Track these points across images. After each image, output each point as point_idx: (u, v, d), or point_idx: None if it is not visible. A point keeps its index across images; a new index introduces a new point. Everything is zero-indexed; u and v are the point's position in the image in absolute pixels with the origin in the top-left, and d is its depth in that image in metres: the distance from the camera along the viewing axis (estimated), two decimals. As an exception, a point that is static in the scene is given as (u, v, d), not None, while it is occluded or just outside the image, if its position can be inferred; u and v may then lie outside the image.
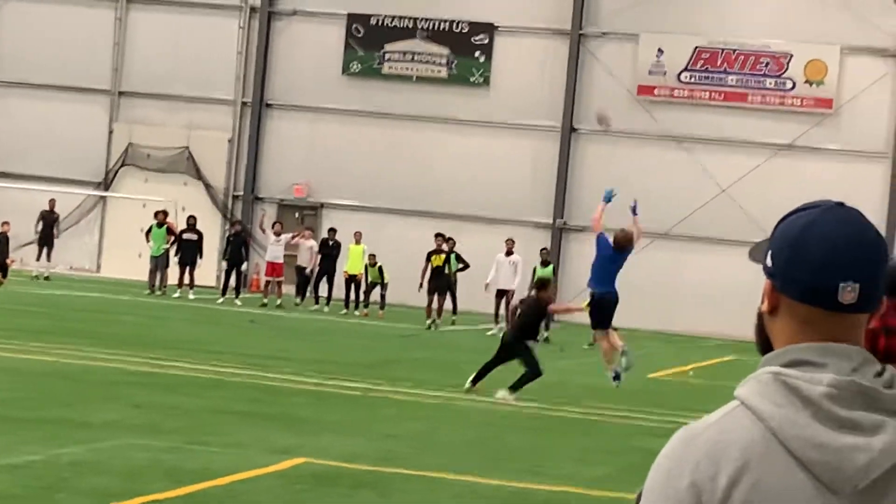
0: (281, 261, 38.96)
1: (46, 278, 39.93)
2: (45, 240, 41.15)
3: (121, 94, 47.06)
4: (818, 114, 42.84)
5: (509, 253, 35.93)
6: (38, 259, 40.85)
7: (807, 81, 42.95)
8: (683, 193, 43.17)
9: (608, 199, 21.18)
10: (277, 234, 39.13)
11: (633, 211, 21.64)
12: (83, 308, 31.68)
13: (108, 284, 40.91)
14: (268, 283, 39.31)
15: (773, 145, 42.97)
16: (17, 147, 46.84)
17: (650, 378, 26.41)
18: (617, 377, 21.11)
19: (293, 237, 39.54)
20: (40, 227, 41.24)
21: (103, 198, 46.60)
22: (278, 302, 38.03)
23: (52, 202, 41.91)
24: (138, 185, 46.27)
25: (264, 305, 37.49)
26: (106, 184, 46.93)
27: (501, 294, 35.36)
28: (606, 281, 20.77)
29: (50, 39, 46.69)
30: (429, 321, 35.07)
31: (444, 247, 36.33)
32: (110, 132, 47.03)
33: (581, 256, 43.34)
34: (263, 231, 40.83)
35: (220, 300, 38.17)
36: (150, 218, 41.89)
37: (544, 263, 34.82)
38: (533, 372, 19.26)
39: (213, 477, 11.63)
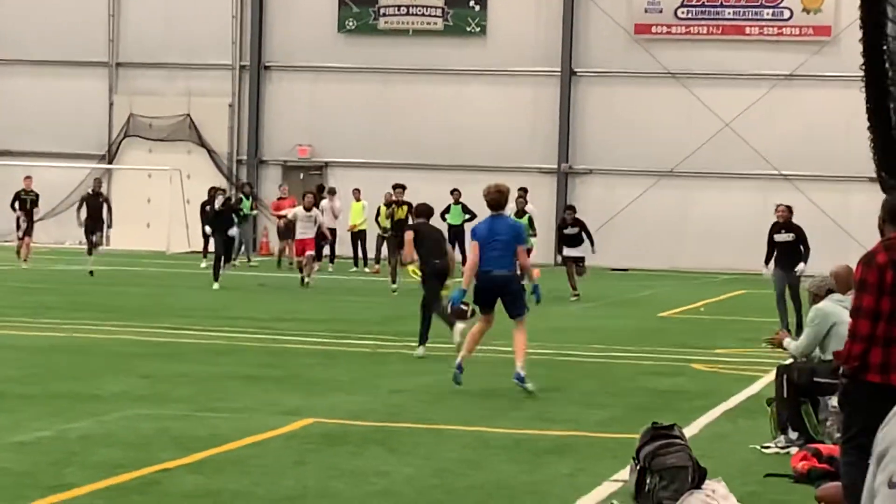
0: (311, 236, 32.49)
1: (91, 273, 33.15)
2: (94, 227, 34.87)
3: (118, 65, 47.04)
4: (817, 42, 42.67)
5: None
6: (89, 253, 34.22)
7: (804, 10, 42.76)
8: (686, 130, 43.11)
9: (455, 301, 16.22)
10: (308, 208, 32.79)
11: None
12: (93, 282, 31.78)
13: (117, 257, 41.01)
14: (299, 262, 33.07)
15: (774, 76, 42.85)
16: (18, 124, 46.90)
17: (660, 317, 26.51)
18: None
19: (322, 212, 34.53)
20: (84, 214, 35.04)
21: (108, 170, 46.66)
22: (308, 280, 31.70)
23: (97, 182, 36.73)
24: (142, 155, 46.33)
25: (305, 285, 31.63)
26: (110, 156, 46.99)
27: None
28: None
29: (45, 15, 46.64)
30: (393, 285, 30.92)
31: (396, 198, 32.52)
32: (111, 104, 47.05)
33: (587, 199, 43.35)
34: (280, 219, 37.27)
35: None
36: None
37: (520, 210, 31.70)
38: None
39: (221, 443, 11.71)
